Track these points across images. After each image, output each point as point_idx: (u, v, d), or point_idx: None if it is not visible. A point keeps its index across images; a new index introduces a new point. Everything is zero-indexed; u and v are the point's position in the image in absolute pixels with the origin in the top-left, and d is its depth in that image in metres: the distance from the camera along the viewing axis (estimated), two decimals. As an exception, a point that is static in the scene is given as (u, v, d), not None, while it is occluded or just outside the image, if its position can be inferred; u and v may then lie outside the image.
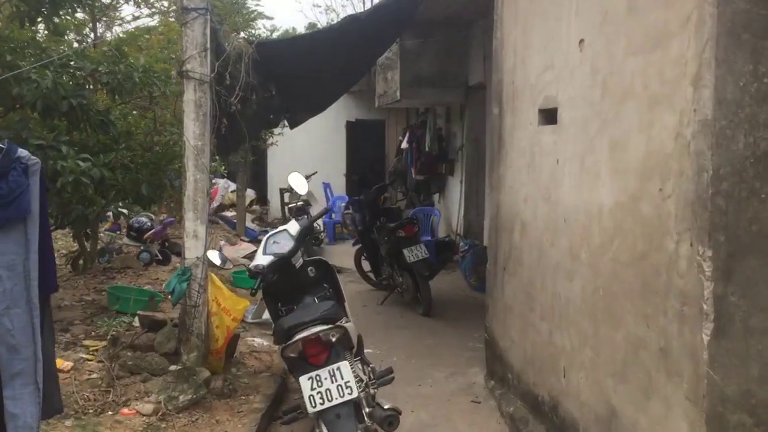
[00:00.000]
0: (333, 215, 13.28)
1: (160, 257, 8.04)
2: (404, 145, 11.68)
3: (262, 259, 4.11)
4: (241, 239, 11.89)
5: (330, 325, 3.53)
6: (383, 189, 8.35)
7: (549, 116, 4.11)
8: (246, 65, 5.09)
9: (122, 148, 5.69)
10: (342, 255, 10.76)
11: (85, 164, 4.51)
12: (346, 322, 3.81)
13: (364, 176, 15.49)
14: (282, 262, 4.13)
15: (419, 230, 7.36)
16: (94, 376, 4.13)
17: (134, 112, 6.31)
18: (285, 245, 4.24)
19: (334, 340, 3.49)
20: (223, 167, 10.89)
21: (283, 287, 4.28)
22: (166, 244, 9.12)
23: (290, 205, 10.99)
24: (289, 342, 3.47)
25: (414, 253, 7.06)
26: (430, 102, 10.80)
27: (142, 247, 7.82)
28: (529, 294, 4.33)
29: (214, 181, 14.85)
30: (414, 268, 7.09)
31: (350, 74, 7.76)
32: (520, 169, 4.55)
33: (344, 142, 15.58)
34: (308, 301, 4.29)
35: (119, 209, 5.51)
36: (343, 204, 13.49)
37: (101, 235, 7.75)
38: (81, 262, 5.54)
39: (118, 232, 7.82)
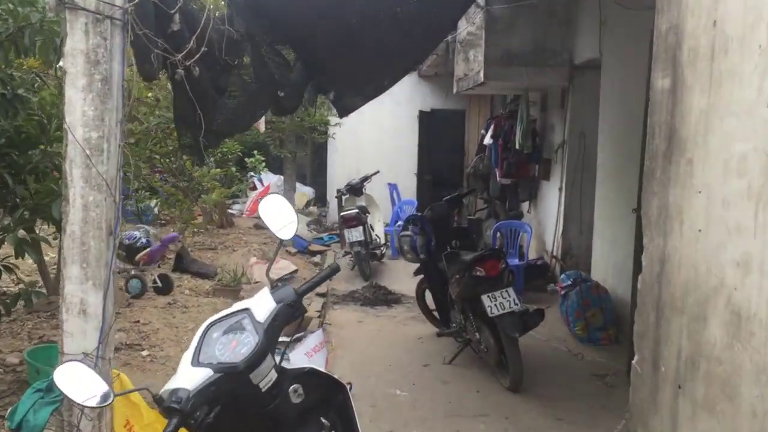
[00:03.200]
0: (399, 222, 11.08)
1: (159, 284, 6.09)
2: (487, 140, 9.31)
3: (184, 377, 1.98)
4: (287, 251, 9.89)
5: None
6: (457, 202, 6.07)
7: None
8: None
9: (53, 140, 3.69)
10: (405, 275, 8.52)
11: None
12: None
13: (439, 177, 13.18)
14: (231, 379, 2.01)
15: (507, 268, 5.06)
16: None
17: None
18: (241, 344, 2.10)
19: None
20: (263, 164, 8.92)
21: (240, 425, 2.15)
22: (181, 258, 7.21)
23: (342, 213, 8.94)
24: None
25: (498, 303, 4.78)
26: (522, 86, 8.42)
27: (132, 272, 5.90)
28: (756, 474, 2.00)
29: (262, 176, 12.96)
30: (498, 324, 4.81)
31: (418, 42, 5.53)
32: (727, 200, 2.22)
33: (416, 135, 13.31)
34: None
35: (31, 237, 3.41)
36: (410, 208, 11.32)
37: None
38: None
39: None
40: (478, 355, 5.35)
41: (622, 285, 6.27)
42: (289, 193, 10.04)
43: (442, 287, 5.72)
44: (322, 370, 2.33)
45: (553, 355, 5.92)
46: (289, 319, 2.22)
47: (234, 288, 6.57)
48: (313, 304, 7.15)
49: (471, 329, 5.26)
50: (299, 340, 3.99)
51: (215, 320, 2.17)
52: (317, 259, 10.20)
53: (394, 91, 13.36)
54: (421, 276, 6.25)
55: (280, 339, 3.68)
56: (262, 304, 2.21)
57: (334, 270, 2.34)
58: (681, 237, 2.54)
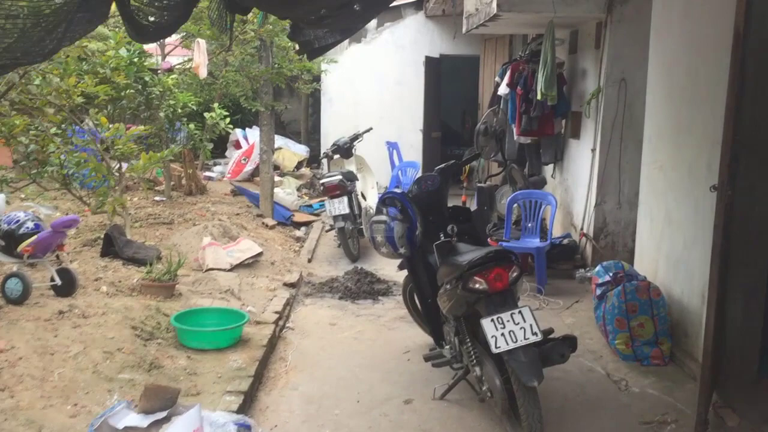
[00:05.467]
0: (399, 189, 9.38)
1: (58, 282, 4.55)
2: (503, 89, 7.55)
3: None
4: (263, 222, 8.30)
5: None
6: (450, 172, 4.39)
7: None
8: None
9: None
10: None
11: None
12: None
13: (449, 134, 11.47)
14: None
15: (520, 275, 3.42)
16: None
17: None
18: None
19: None
20: (227, 120, 7.27)
21: None
22: (112, 241, 5.65)
23: (323, 180, 7.32)
24: None
25: (508, 332, 3.16)
26: (545, 20, 6.65)
27: (15, 269, 4.38)
28: None
29: (247, 132, 11.34)
30: (508, 363, 3.20)
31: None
32: None
33: (422, 85, 11.53)
34: None
35: None
36: (413, 172, 9.62)
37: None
38: None
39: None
40: (479, 396, 3.74)
41: (679, 282, 4.63)
42: (266, 155, 8.37)
43: (434, 290, 4.11)
44: None
45: (586, 383, 4.31)
46: None
47: (166, 283, 5.00)
48: (275, 300, 5.57)
49: (468, 357, 3.66)
50: (159, 424, 2.40)
51: None
52: (301, 232, 8.59)
53: (397, 34, 11.63)
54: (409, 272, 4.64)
55: (134, 424, 1.80)
56: None
57: None
58: None
